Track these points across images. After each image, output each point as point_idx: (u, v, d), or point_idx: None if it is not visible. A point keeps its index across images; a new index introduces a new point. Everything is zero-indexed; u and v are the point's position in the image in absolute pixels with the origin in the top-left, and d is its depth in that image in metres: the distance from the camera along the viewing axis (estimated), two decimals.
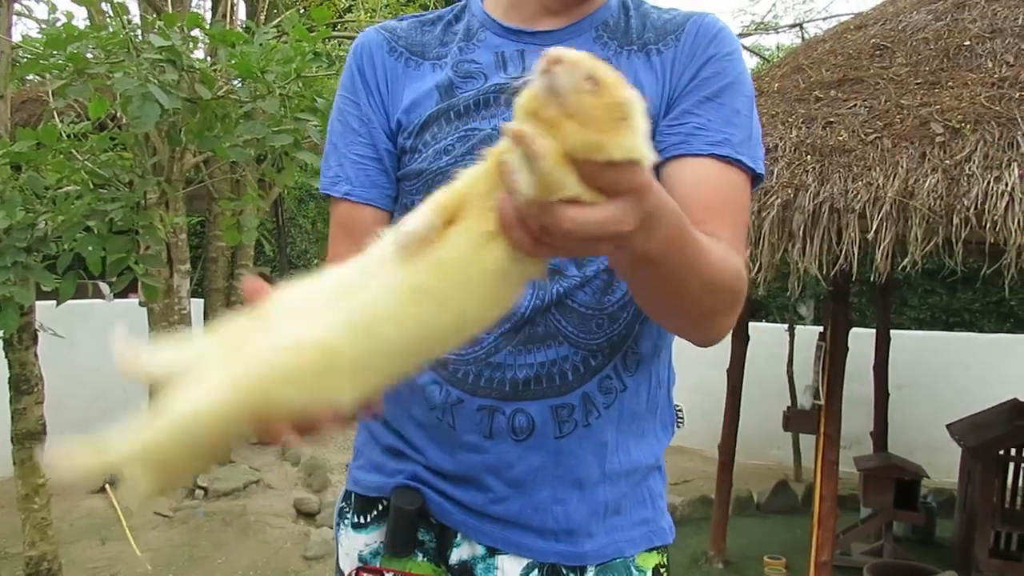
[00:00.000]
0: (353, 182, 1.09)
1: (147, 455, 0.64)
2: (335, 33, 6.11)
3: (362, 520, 1.13)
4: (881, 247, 3.05)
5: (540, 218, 0.59)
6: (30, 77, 4.91)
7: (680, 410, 1.34)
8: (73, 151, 2.73)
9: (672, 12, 1.10)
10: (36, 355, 3.02)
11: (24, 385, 2.98)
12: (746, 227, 1.05)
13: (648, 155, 0.60)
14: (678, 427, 1.18)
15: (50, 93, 2.86)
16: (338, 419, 0.66)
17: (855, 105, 3.64)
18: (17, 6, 3.35)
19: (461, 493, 1.05)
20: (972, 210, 2.97)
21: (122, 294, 5.78)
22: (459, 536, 1.06)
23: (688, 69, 1.04)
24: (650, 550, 1.09)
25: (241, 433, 0.64)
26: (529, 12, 1.09)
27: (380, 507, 1.11)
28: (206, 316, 6.56)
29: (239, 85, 2.90)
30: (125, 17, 2.68)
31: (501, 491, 1.03)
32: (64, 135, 2.79)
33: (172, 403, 0.64)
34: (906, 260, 3.07)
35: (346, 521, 1.15)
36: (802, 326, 7.34)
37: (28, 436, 3.00)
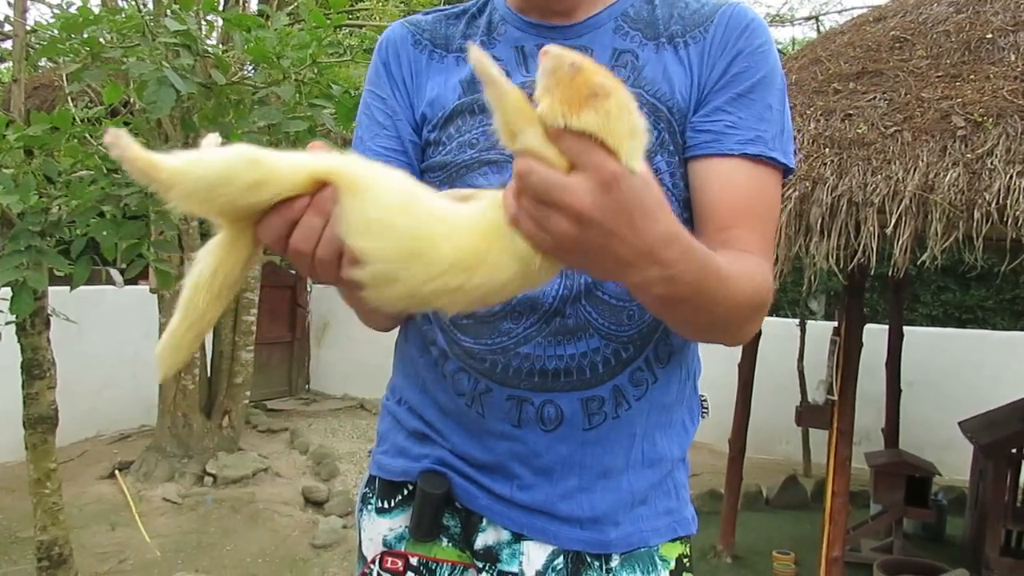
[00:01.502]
0: None
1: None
2: (349, 22, 6.08)
3: (386, 505, 1.12)
4: (900, 242, 3.02)
5: (514, 167, 0.65)
6: (43, 63, 4.91)
7: (705, 400, 1.34)
8: (87, 136, 2.72)
9: (701, 2, 1.06)
10: (48, 340, 3.01)
11: (36, 370, 2.97)
12: (775, 227, 1.04)
13: (618, 142, 0.63)
14: (703, 417, 1.18)
15: (64, 77, 2.85)
16: (331, 249, 0.73)
17: (874, 98, 3.60)
18: None
19: (488, 480, 1.05)
20: (994, 205, 2.93)
21: (132, 281, 5.79)
22: (484, 521, 1.06)
23: (719, 64, 1.01)
24: (674, 540, 1.09)
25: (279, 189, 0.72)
26: (533, 2, 1.08)
27: (405, 492, 1.11)
28: None
29: (252, 71, 2.88)
30: (139, 0, 2.66)
31: (528, 479, 1.03)
32: (78, 120, 2.77)
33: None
34: (925, 255, 3.04)
35: (369, 506, 1.15)
36: (813, 321, 7.31)
37: (40, 421, 2.99)
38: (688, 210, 1.03)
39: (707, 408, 1.19)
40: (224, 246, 0.77)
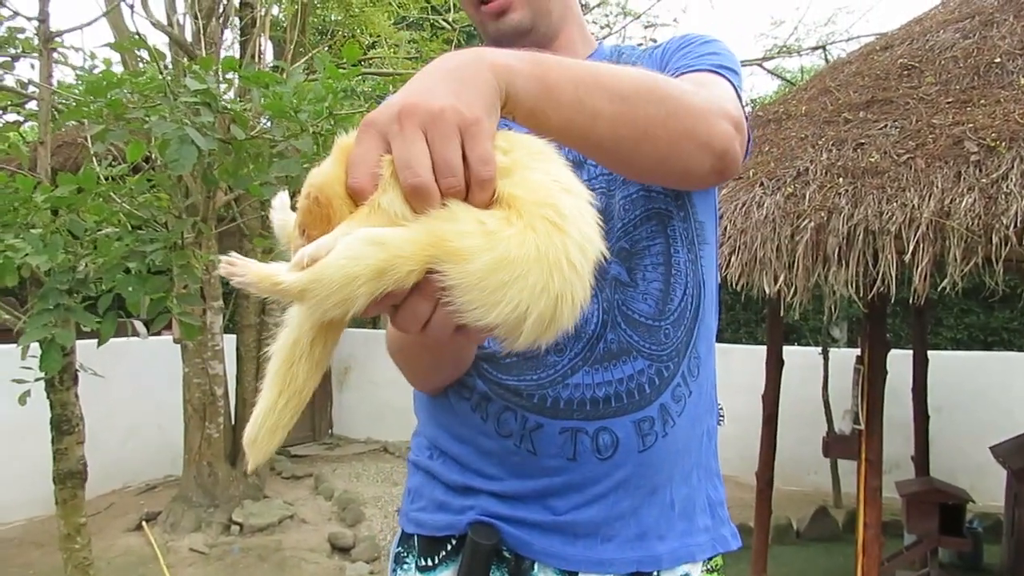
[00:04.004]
0: None
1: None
2: (362, 70, 6.20)
3: (429, 562, 1.11)
4: (919, 268, 3.01)
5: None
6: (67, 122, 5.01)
7: (721, 408, 1.40)
8: (112, 194, 2.78)
9: (656, 45, 1.19)
10: (76, 395, 3.06)
11: (65, 425, 3.01)
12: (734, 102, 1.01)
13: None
14: (720, 424, 1.20)
15: (89, 138, 2.92)
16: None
17: (886, 126, 3.62)
18: (55, 54, 3.44)
19: (539, 514, 1.05)
20: (1011, 228, 2.92)
21: (156, 331, 5.85)
22: (536, 567, 1.05)
23: (671, 50, 1.13)
24: (712, 572, 1.11)
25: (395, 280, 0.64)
26: None
27: (449, 546, 1.10)
28: (239, 352, 6.61)
29: (269, 124, 2.94)
30: (161, 63, 2.74)
31: (582, 504, 1.04)
32: (102, 178, 2.84)
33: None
34: (945, 281, 3.03)
35: (407, 566, 1.13)
36: (836, 349, 7.24)
37: (70, 476, 3.02)
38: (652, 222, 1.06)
39: (723, 416, 1.22)
40: None
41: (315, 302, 0.64)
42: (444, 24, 7.78)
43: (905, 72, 4.04)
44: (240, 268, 0.65)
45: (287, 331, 0.73)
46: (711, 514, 1.13)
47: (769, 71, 10.37)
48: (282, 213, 0.78)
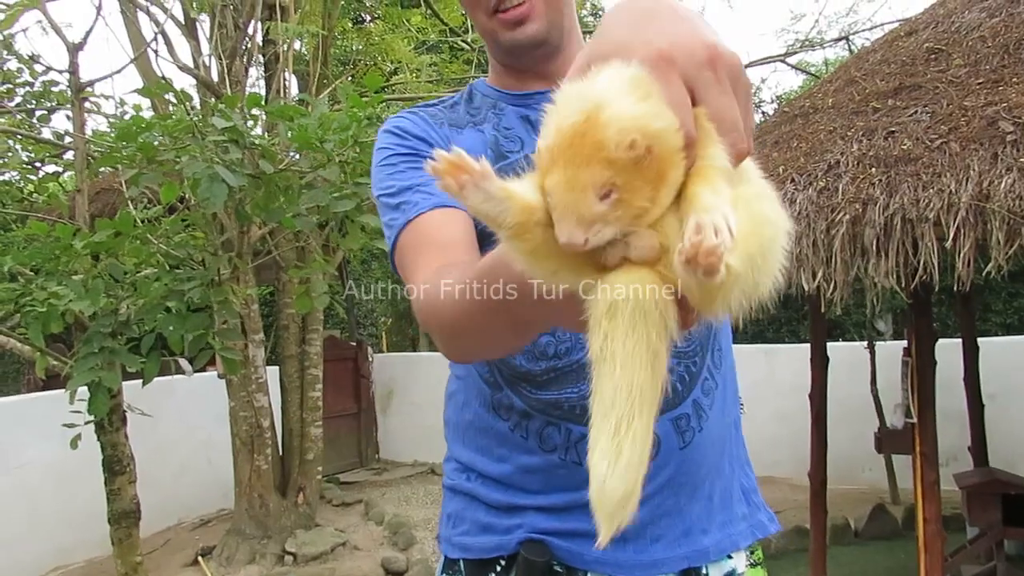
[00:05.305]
0: (420, 206, 1.03)
1: None
2: (385, 96, 6.27)
3: None
4: (961, 254, 2.94)
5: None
6: (103, 169, 5.14)
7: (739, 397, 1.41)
8: (148, 235, 2.84)
9: None
10: (126, 436, 3.11)
11: (117, 466, 3.06)
12: None
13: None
14: (741, 412, 1.23)
15: (123, 183, 2.99)
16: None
17: (916, 112, 3.55)
18: (87, 104, 3.53)
19: (588, 523, 1.04)
20: None
21: (200, 367, 5.95)
22: None
23: None
24: (755, 566, 1.14)
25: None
26: (512, 77, 1.17)
27: (498, 568, 1.09)
28: (282, 383, 6.68)
29: (296, 156, 2.98)
30: (188, 104, 2.79)
31: None
32: (139, 221, 2.90)
33: None
34: (990, 266, 2.95)
35: None
36: (882, 342, 7.10)
37: (124, 516, 3.07)
38: None
39: (743, 405, 1.24)
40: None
41: (743, 289, 0.51)
42: (463, 45, 7.85)
43: (932, 56, 3.96)
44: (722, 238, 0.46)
45: (633, 341, 0.54)
46: (746, 501, 1.16)
47: (792, 66, 10.27)
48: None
